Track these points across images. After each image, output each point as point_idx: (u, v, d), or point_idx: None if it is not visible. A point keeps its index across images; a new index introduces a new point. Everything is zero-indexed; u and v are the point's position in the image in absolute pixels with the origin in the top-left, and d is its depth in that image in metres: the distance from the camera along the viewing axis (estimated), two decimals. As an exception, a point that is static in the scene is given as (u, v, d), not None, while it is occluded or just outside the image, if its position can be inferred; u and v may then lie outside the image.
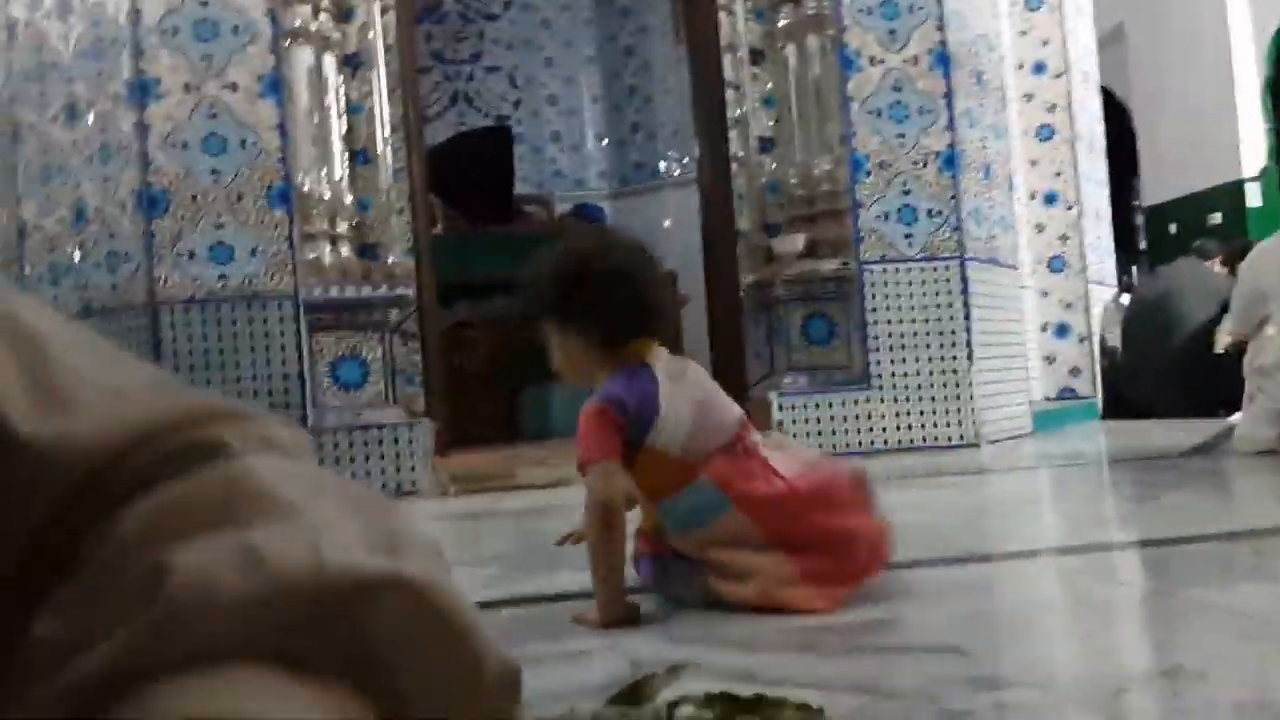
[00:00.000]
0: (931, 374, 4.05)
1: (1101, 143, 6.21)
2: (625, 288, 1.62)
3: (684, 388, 1.63)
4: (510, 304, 3.02)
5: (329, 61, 3.94)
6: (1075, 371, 5.68)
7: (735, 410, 1.69)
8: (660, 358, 1.66)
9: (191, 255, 3.50)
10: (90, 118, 3.72)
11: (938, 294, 4.08)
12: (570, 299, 1.63)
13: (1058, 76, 5.77)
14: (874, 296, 4.06)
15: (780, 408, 4.02)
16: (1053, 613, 1.63)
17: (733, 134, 4.56)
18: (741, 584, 1.55)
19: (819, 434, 4.00)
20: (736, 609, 1.55)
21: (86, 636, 0.38)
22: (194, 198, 3.52)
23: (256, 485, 0.40)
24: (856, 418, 4.02)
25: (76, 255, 3.78)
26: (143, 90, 3.54)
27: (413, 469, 3.58)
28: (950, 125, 4.13)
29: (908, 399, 4.03)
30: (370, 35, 4.06)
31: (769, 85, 4.52)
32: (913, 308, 4.07)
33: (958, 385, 4.06)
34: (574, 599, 1.73)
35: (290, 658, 0.37)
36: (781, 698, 0.97)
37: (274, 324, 3.52)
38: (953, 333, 4.07)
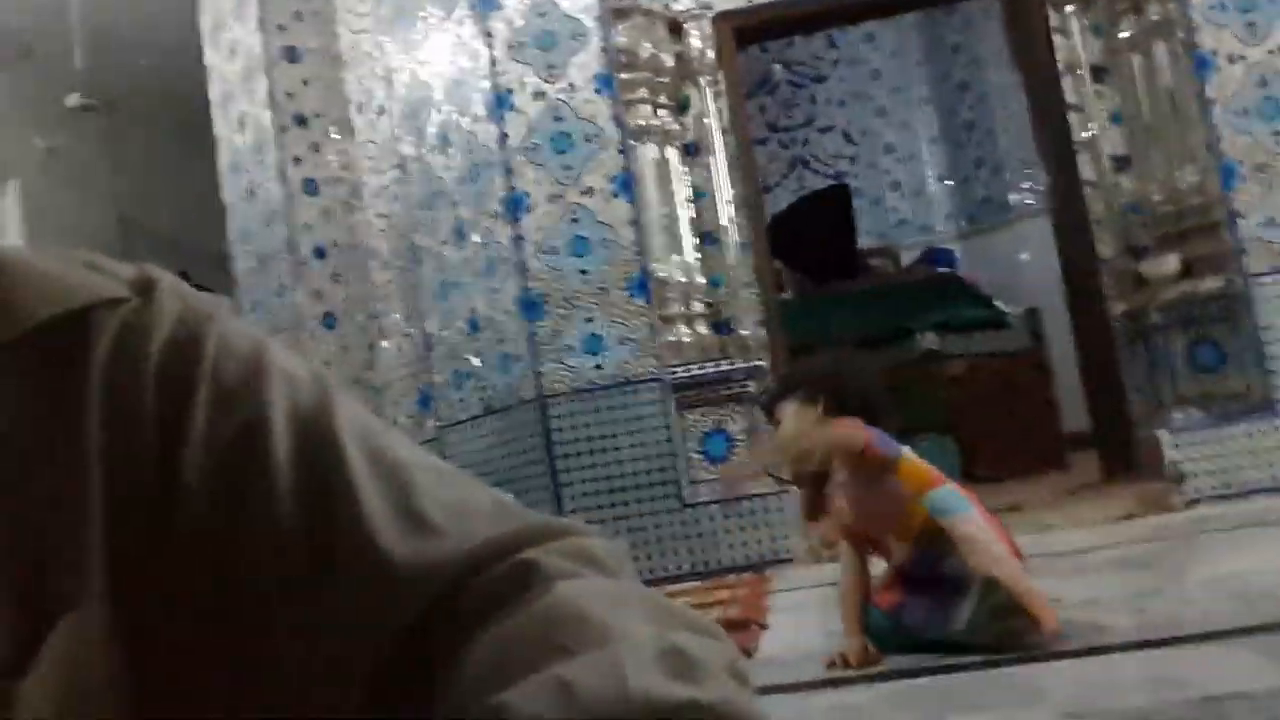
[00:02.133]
0: (1351, 391, 3.58)
1: None
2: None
3: None
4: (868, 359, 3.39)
5: (672, 153, 4.21)
6: None
7: None
8: None
9: (570, 350, 3.84)
10: (474, 236, 4.20)
11: (1347, 300, 3.62)
12: (840, 391, 2.28)
13: None
14: (1268, 313, 3.67)
15: (1176, 445, 3.70)
16: None
17: (1082, 157, 4.33)
18: (995, 562, 1.97)
19: (1222, 471, 3.63)
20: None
21: None
22: (567, 297, 3.87)
23: (567, 613, 0.43)
24: (1266, 450, 3.62)
25: (476, 360, 4.25)
26: (515, 205, 3.94)
27: (786, 536, 3.65)
28: (1338, 112, 3.69)
29: (1325, 422, 3.59)
30: (706, 121, 4.29)
31: (1116, 101, 4.27)
32: (1318, 319, 3.64)
33: (1387, 401, 3.56)
34: (955, 671, 1.73)
35: None
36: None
37: (645, 406, 3.77)
38: (1373, 341, 3.59)
